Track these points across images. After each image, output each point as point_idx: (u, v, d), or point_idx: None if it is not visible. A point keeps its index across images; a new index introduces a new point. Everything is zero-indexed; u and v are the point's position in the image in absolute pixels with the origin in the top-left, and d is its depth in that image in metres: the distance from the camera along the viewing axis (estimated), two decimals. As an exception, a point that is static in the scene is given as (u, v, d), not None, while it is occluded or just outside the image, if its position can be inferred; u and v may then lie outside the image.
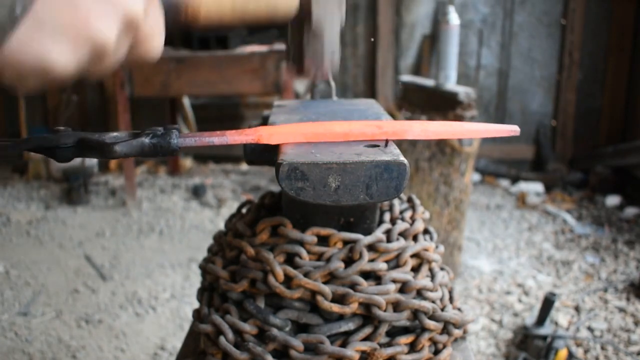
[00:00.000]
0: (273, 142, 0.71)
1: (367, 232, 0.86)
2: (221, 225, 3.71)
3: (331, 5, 0.79)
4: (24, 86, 0.49)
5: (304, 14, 0.78)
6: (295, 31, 0.82)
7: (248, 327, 0.80)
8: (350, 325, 0.81)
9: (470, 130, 0.79)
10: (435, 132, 0.75)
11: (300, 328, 0.83)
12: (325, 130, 0.72)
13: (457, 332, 0.87)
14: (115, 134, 0.66)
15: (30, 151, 0.65)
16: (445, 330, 0.87)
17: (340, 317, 0.82)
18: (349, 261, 0.83)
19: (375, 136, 0.73)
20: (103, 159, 0.65)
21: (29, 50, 0.46)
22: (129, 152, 0.65)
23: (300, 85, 4.16)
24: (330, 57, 0.81)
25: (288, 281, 0.81)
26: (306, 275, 0.80)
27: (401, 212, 0.95)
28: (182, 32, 3.89)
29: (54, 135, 0.65)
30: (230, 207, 4.09)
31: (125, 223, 3.86)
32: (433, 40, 4.95)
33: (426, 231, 0.96)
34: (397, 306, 0.82)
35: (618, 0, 4.78)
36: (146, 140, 0.66)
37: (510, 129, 0.77)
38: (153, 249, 3.50)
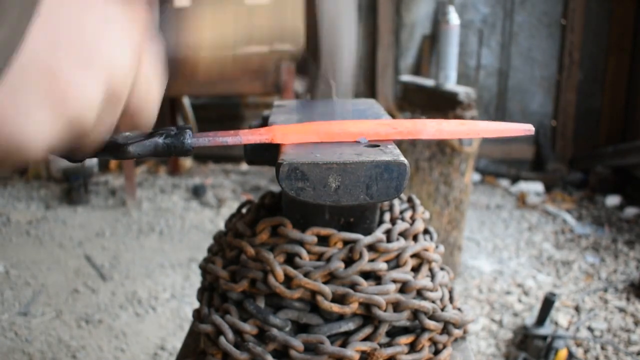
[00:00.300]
0: (287, 141, 0.70)
1: (367, 232, 0.86)
2: (221, 225, 3.71)
3: (340, 41, 0.74)
4: None
5: (312, 45, 0.73)
6: (304, 64, 0.79)
7: (248, 327, 0.80)
8: (350, 325, 0.81)
9: (485, 130, 0.77)
10: (450, 132, 0.74)
11: (300, 328, 0.83)
12: (340, 130, 0.72)
13: (457, 332, 0.87)
14: (126, 133, 0.65)
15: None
16: (445, 330, 0.87)
17: (340, 317, 0.82)
18: (349, 261, 0.83)
19: (390, 136, 0.72)
20: (118, 159, 0.63)
21: (0, 122, 0.40)
22: (142, 153, 0.64)
23: (300, 85, 4.16)
24: (343, 84, 0.77)
25: (288, 281, 0.81)
26: (306, 275, 0.80)
27: (401, 212, 0.95)
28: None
29: None
30: (230, 207, 4.09)
31: (125, 223, 3.86)
32: (433, 40, 4.96)
33: (426, 231, 0.96)
34: (397, 306, 0.82)
35: (618, 0, 4.78)
36: (160, 140, 0.64)
37: (525, 129, 0.75)
38: (153, 249, 3.50)
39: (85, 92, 0.43)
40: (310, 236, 0.82)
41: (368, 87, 5.17)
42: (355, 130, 0.72)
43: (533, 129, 0.76)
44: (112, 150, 0.63)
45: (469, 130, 0.76)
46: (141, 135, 0.64)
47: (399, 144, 0.75)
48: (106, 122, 0.48)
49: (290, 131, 0.70)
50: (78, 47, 0.43)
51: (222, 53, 0.65)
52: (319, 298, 0.79)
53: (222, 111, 5.28)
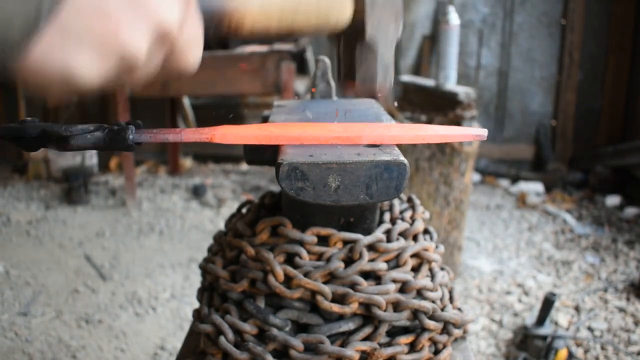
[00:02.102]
0: (226, 141, 0.70)
1: (367, 232, 0.86)
2: (221, 225, 3.71)
3: (387, 17, 0.72)
4: (48, 95, 0.47)
5: (357, 25, 0.71)
6: (347, 44, 0.76)
7: (248, 327, 0.80)
8: (350, 325, 0.81)
9: (432, 135, 0.74)
10: (392, 137, 0.71)
11: (300, 328, 0.83)
12: (280, 133, 0.71)
13: (457, 332, 0.87)
14: (83, 126, 0.67)
15: None
16: (445, 330, 0.87)
17: (340, 317, 0.82)
18: (349, 261, 0.83)
19: (328, 140, 0.71)
20: (62, 151, 0.66)
21: (54, 58, 0.44)
22: (83, 145, 0.66)
23: (300, 85, 4.15)
24: (383, 73, 0.75)
25: (288, 281, 0.81)
26: (306, 275, 0.80)
27: (401, 212, 0.95)
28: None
29: (20, 125, 0.67)
30: (230, 207, 4.09)
31: (125, 223, 3.86)
32: (433, 40, 4.96)
33: (426, 231, 0.96)
34: (397, 306, 0.82)
35: (618, 0, 4.78)
36: (101, 134, 0.67)
37: (478, 133, 0.73)
38: (153, 249, 3.50)
39: (134, 32, 0.46)
40: (310, 236, 0.82)
41: (368, 87, 5.15)
42: (296, 133, 0.71)
43: (485, 133, 0.73)
44: (57, 142, 0.66)
45: (415, 135, 0.73)
46: (85, 129, 0.67)
47: (399, 143, 0.75)
48: (153, 60, 0.51)
49: (230, 132, 0.70)
50: None
51: (268, 13, 0.65)
52: (319, 298, 0.79)
53: (222, 111, 5.28)
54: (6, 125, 0.67)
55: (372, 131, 0.72)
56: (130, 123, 0.68)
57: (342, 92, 0.78)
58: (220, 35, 0.64)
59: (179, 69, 0.56)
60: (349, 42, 0.74)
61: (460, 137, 0.74)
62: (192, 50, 0.55)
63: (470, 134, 0.74)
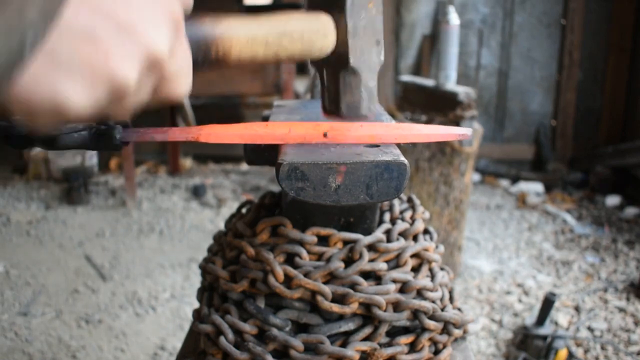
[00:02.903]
0: (211, 141, 0.70)
1: (367, 232, 0.86)
2: (221, 225, 3.71)
3: (369, 42, 0.74)
4: (36, 125, 0.45)
5: (340, 52, 0.73)
6: (331, 70, 0.77)
7: (248, 327, 0.80)
8: (350, 325, 0.81)
9: (416, 135, 0.74)
10: (377, 136, 0.72)
11: (300, 328, 0.83)
12: (265, 133, 0.71)
13: (457, 332, 0.87)
14: (72, 125, 0.68)
15: None
16: (445, 330, 0.87)
17: (340, 317, 0.82)
18: (349, 261, 0.83)
19: (314, 139, 0.71)
20: (49, 150, 0.67)
21: (42, 87, 0.43)
22: (70, 144, 0.67)
23: (300, 85, 4.16)
24: (368, 98, 0.76)
25: (288, 281, 0.81)
26: (306, 275, 0.80)
27: (401, 212, 0.95)
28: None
29: (9, 124, 0.67)
30: (230, 207, 4.09)
31: (125, 223, 3.86)
32: (433, 40, 4.96)
33: (426, 231, 0.96)
34: (397, 306, 0.82)
35: (618, 0, 4.78)
36: (89, 133, 0.68)
37: (461, 133, 0.74)
38: (153, 249, 3.50)
39: (124, 59, 0.45)
40: (310, 236, 0.82)
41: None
42: (280, 132, 0.71)
43: (470, 132, 0.74)
44: (44, 140, 0.67)
45: (398, 135, 0.73)
46: (72, 128, 0.67)
47: (398, 143, 0.75)
48: (144, 89, 0.50)
49: (215, 132, 0.70)
50: (118, 16, 0.45)
51: (254, 41, 0.66)
52: (319, 298, 0.79)
53: (222, 111, 5.28)
54: None
55: (356, 131, 0.72)
56: (118, 122, 0.69)
57: (327, 118, 0.78)
58: (208, 64, 0.64)
59: (169, 97, 0.55)
60: (333, 68, 0.75)
61: (443, 136, 0.74)
62: (182, 78, 0.55)
63: (454, 133, 0.74)
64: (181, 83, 0.55)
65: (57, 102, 0.43)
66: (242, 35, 0.65)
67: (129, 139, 0.69)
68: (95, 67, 0.44)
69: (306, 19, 0.70)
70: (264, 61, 0.68)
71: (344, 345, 0.79)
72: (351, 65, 0.73)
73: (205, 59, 0.63)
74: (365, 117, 0.76)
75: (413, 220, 0.93)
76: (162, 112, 4.91)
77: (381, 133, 0.72)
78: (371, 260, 0.83)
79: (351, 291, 0.79)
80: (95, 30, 0.44)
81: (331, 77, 0.77)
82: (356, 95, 0.75)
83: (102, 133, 0.68)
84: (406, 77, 3.72)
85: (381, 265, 0.83)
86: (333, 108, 0.77)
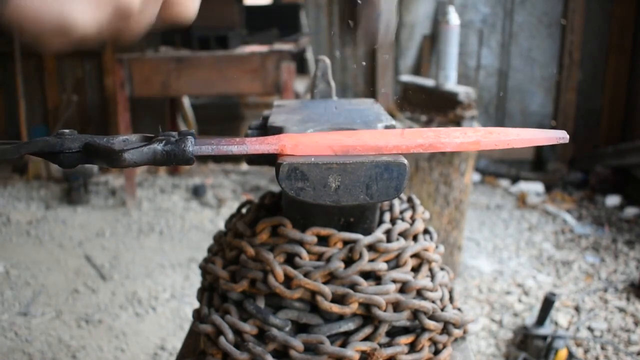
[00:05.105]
0: (298, 153, 0.66)
1: (367, 232, 0.86)
2: (221, 225, 3.71)
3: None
4: (45, 45, 0.46)
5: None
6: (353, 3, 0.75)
7: (248, 327, 0.80)
8: (350, 325, 0.81)
9: (517, 140, 0.70)
10: (474, 143, 0.68)
11: (300, 328, 0.83)
12: (355, 142, 0.67)
13: (457, 332, 0.87)
14: (124, 137, 0.61)
15: (32, 155, 0.59)
16: (445, 330, 0.87)
17: (340, 317, 0.82)
18: (349, 261, 0.83)
19: (411, 149, 0.67)
20: (112, 167, 0.58)
21: (48, 5, 0.43)
22: (139, 161, 0.59)
23: (300, 85, 4.15)
24: (385, 26, 0.73)
25: (288, 281, 0.81)
26: (306, 275, 0.80)
27: (401, 212, 0.95)
28: (182, 32, 3.82)
29: (58, 139, 0.60)
30: (230, 207, 4.09)
31: (125, 223, 3.86)
32: (433, 40, 4.95)
33: (426, 231, 0.96)
34: (397, 306, 0.82)
35: (618, 0, 4.78)
36: (159, 147, 0.60)
37: (559, 136, 0.69)
38: (153, 249, 3.50)
39: None
40: (310, 236, 0.82)
41: (368, 87, 5.17)
42: (373, 143, 0.67)
43: (567, 135, 0.70)
44: (106, 157, 0.59)
45: (498, 140, 0.69)
46: (139, 140, 0.61)
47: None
48: (150, 8, 0.51)
49: (301, 142, 0.66)
50: None
51: None
52: (319, 298, 0.79)
53: (222, 111, 5.28)
54: (41, 139, 0.59)
55: (457, 137, 0.68)
56: (185, 133, 0.61)
57: (344, 41, 0.78)
58: None
59: (176, 19, 0.55)
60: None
61: (543, 140, 0.70)
62: (189, 0, 0.54)
63: (553, 136, 0.70)
64: (188, 5, 0.55)
65: (63, 19, 0.44)
66: None
67: (202, 153, 0.62)
68: None
69: None
70: None
71: (344, 345, 0.79)
72: None
73: None
74: (379, 43, 0.74)
75: (413, 220, 0.93)
76: (163, 111, 4.90)
77: (480, 139, 0.69)
78: (371, 260, 0.83)
79: (351, 291, 0.79)
80: None
81: (350, 1, 0.75)
82: (373, 21, 0.74)
83: (174, 146, 0.60)
84: (406, 77, 3.72)
85: (381, 266, 0.83)
86: (351, 31, 0.76)
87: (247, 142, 0.65)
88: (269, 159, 0.83)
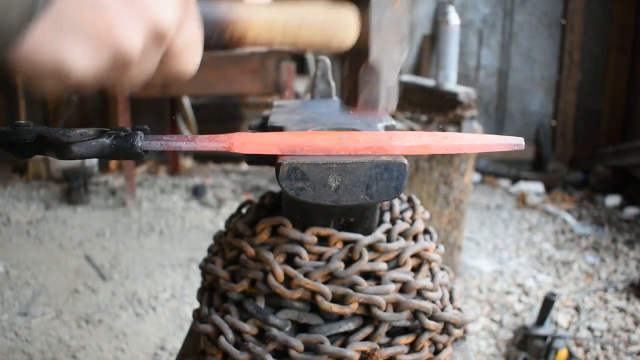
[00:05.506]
0: (245, 151, 0.67)
1: (367, 232, 0.86)
2: (221, 225, 3.71)
3: (392, 40, 0.71)
4: (40, 87, 0.46)
5: (362, 47, 0.71)
6: (351, 64, 0.75)
7: (248, 327, 0.80)
8: (350, 325, 0.81)
9: (469, 145, 0.70)
10: (425, 147, 0.69)
11: (300, 328, 0.83)
12: (304, 143, 0.68)
13: (457, 332, 0.87)
14: (82, 130, 0.63)
15: None
16: (445, 331, 0.87)
17: (340, 317, 0.82)
18: (349, 261, 0.82)
19: (359, 151, 0.68)
20: (61, 159, 0.61)
21: (47, 48, 0.44)
22: (86, 153, 0.61)
23: (300, 85, 4.15)
24: (386, 96, 0.74)
25: (288, 281, 0.81)
26: (306, 275, 0.80)
27: (401, 212, 0.95)
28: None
29: (13, 129, 0.62)
30: (230, 207, 4.09)
31: (125, 223, 3.86)
32: (433, 40, 4.95)
33: (426, 231, 0.96)
34: (397, 306, 0.82)
35: (618, 0, 4.78)
36: (107, 141, 0.62)
37: (515, 143, 0.70)
38: (153, 249, 3.50)
39: (128, 27, 0.46)
40: (310, 236, 0.82)
41: (368, 87, 5.16)
42: (323, 144, 0.68)
43: (523, 142, 0.71)
44: (56, 149, 0.61)
45: (449, 145, 0.70)
46: (95, 134, 0.62)
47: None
48: (149, 60, 0.51)
49: (250, 140, 0.67)
50: None
51: (272, 27, 0.64)
52: (319, 298, 0.79)
53: (222, 111, 5.28)
54: None
55: (402, 141, 0.69)
56: (138, 128, 0.64)
57: (345, 111, 0.77)
58: (222, 44, 0.63)
59: (176, 72, 0.55)
60: (354, 62, 0.74)
61: (496, 146, 0.71)
62: (189, 53, 0.54)
63: (507, 143, 0.70)
64: (188, 59, 0.55)
65: (60, 64, 0.44)
66: (260, 21, 0.63)
67: (151, 148, 0.63)
68: (99, 32, 0.45)
69: (329, 10, 0.68)
70: (279, 46, 0.67)
71: (344, 345, 0.79)
72: (371, 61, 0.71)
73: (220, 39, 0.62)
74: (381, 114, 0.75)
75: (413, 220, 0.93)
76: (163, 111, 4.91)
77: (431, 143, 0.69)
78: (371, 260, 0.83)
79: (351, 291, 0.79)
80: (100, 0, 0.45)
81: (351, 70, 0.75)
82: (375, 91, 0.74)
83: (123, 140, 0.62)
84: (406, 77, 3.72)
85: (381, 266, 0.83)
86: (351, 100, 0.76)
87: (197, 139, 0.66)
88: (269, 159, 0.83)
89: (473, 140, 0.71)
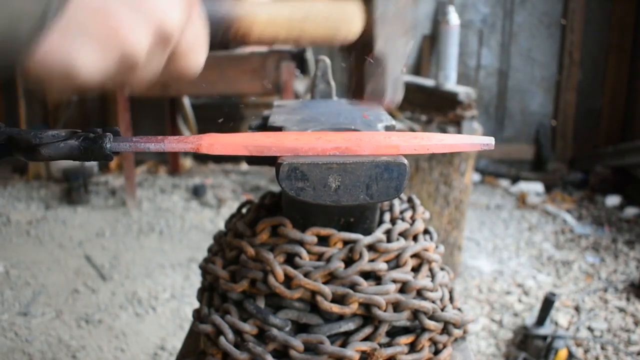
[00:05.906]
0: (214, 152, 0.66)
1: (367, 232, 0.86)
2: (221, 225, 3.71)
3: (397, 31, 0.71)
4: (50, 90, 0.48)
5: (367, 39, 0.71)
6: (356, 57, 0.74)
7: (248, 327, 0.80)
8: (350, 325, 0.81)
9: (438, 145, 0.70)
10: (390, 147, 0.68)
11: (300, 328, 0.83)
12: (271, 143, 0.68)
13: (457, 332, 0.87)
14: (54, 132, 0.63)
15: None
16: (445, 331, 0.87)
17: (340, 317, 0.82)
18: (349, 261, 0.83)
19: (327, 151, 0.68)
20: (30, 161, 0.61)
21: (55, 53, 0.45)
22: (55, 155, 0.62)
23: (300, 85, 4.15)
24: (392, 87, 0.73)
25: (288, 281, 0.81)
26: (306, 275, 0.80)
27: (401, 212, 0.95)
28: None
29: None
30: (230, 207, 4.09)
31: (125, 223, 3.86)
32: (433, 40, 4.95)
33: (426, 231, 0.96)
34: (397, 306, 0.82)
35: (618, 0, 4.78)
36: (76, 142, 0.62)
37: (484, 142, 0.70)
38: (153, 249, 3.50)
39: (135, 30, 0.48)
40: (310, 236, 0.82)
41: (368, 87, 5.16)
42: (290, 145, 0.68)
43: (493, 142, 0.71)
44: (25, 151, 0.62)
45: (418, 145, 0.70)
46: (58, 136, 0.62)
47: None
48: (155, 61, 0.52)
49: (217, 141, 0.67)
50: None
51: (277, 23, 0.64)
52: (319, 298, 0.79)
53: (222, 111, 5.28)
54: None
55: (372, 141, 0.69)
56: (107, 130, 0.64)
57: (352, 103, 0.77)
58: (227, 42, 0.63)
59: (181, 72, 0.56)
60: (359, 55, 0.74)
61: (466, 146, 0.71)
62: (194, 53, 0.56)
63: (477, 143, 0.70)
64: (194, 59, 0.56)
65: (70, 67, 0.46)
66: (264, 17, 0.64)
67: (120, 149, 0.64)
68: (107, 36, 0.47)
69: (333, 3, 0.68)
70: (284, 42, 0.67)
71: (344, 345, 0.79)
72: (377, 52, 0.71)
73: (225, 37, 0.62)
74: (387, 105, 0.74)
75: (413, 220, 0.93)
76: (163, 111, 4.90)
77: (399, 144, 0.69)
78: (371, 261, 0.83)
79: (351, 291, 0.79)
80: (107, 2, 0.47)
81: (357, 62, 0.75)
82: (381, 82, 0.74)
83: (91, 142, 0.62)
84: (406, 77, 3.72)
85: (381, 266, 0.83)
86: (358, 93, 0.75)
87: (166, 141, 0.66)
88: (269, 159, 0.83)
89: (442, 140, 0.71)
